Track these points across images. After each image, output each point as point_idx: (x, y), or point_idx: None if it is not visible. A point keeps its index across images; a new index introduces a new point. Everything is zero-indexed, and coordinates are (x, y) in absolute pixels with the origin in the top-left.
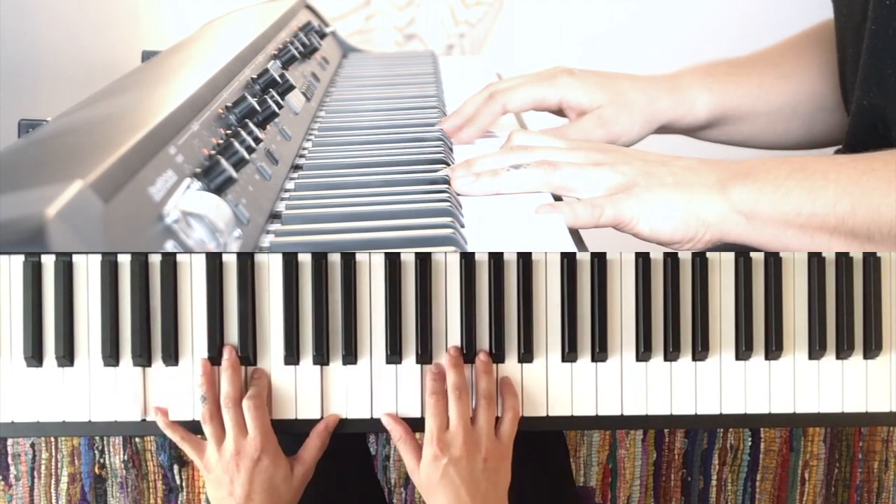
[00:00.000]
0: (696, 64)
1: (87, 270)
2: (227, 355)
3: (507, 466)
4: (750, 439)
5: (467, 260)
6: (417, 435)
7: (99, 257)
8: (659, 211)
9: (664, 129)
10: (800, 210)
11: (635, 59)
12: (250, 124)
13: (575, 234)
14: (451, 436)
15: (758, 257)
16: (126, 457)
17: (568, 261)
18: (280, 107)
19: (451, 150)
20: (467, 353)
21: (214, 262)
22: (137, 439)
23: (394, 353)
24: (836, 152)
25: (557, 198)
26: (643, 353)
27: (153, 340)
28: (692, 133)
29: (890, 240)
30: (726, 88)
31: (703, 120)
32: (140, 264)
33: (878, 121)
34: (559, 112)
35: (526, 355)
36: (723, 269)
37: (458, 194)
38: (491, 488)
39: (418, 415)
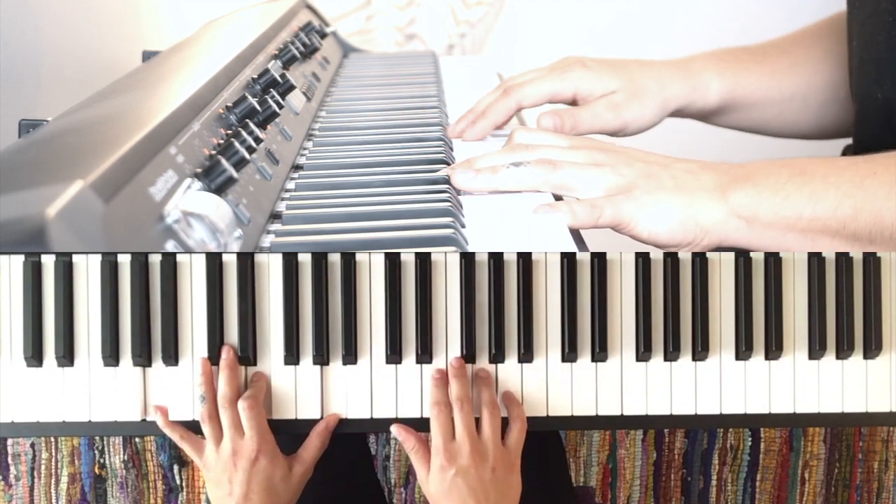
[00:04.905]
0: (709, 50)
1: (87, 270)
2: (224, 355)
3: (517, 477)
4: (750, 439)
5: (467, 260)
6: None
7: (99, 257)
8: (657, 214)
9: (677, 114)
10: (801, 214)
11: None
12: (251, 124)
13: (575, 233)
14: (457, 446)
15: (758, 257)
16: (126, 457)
17: (568, 261)
18: (281, 107)
19: (451, 149)
20: (467, 353)
21: (214, 262)
22: (137, 439)
23: (394, 353)
24: (846, 147)
25: (558, 198)
26: (643, 353)
27: (153, 340)
28: (704, 118)
29: (892, 242)
30: (738, 74)
31: (715, 105)
32: (140, 264)
33: (892, 115)
34: (574, 104)
35: (526, 355)
36: (723, 269)
37: (458, 189)
38: (500, 498)
39: (418, 415)
